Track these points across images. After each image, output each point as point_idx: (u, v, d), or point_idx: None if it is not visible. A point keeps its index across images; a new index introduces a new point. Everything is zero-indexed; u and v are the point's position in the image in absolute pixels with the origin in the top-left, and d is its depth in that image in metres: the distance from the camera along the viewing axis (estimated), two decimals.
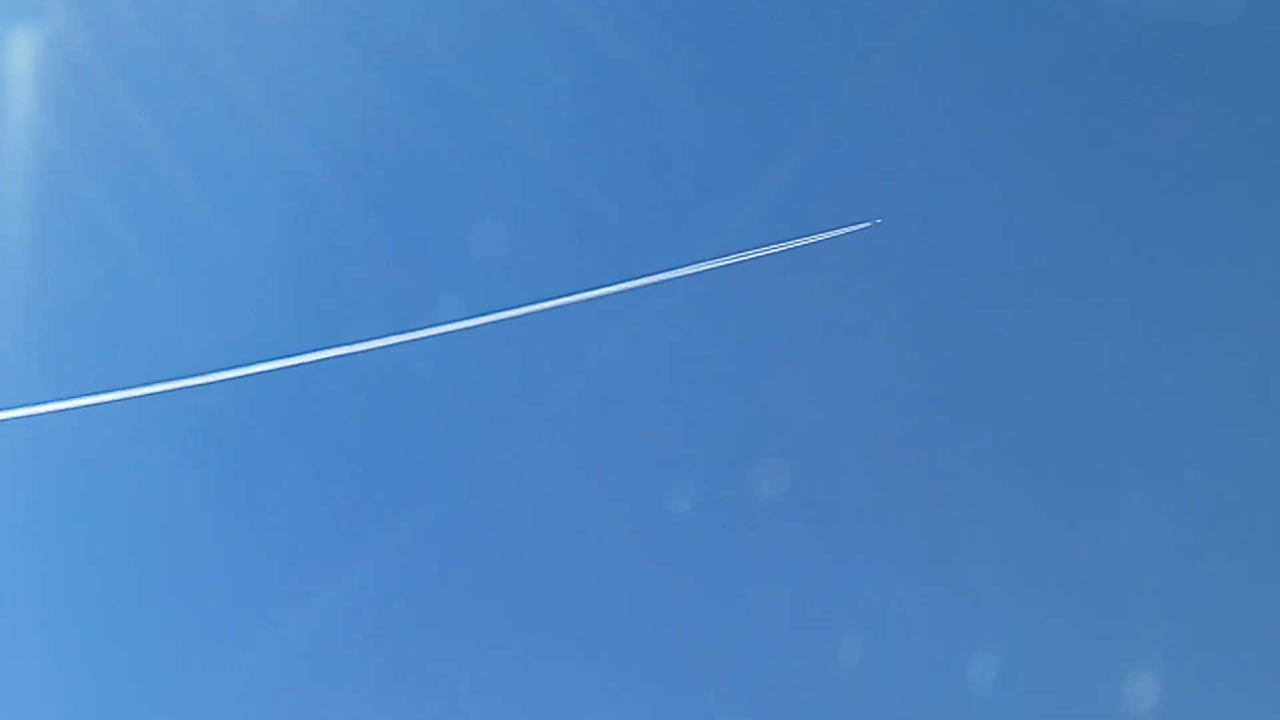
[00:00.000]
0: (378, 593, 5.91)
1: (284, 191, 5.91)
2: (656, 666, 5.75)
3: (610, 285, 5.93)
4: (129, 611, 5.76)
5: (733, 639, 5.76)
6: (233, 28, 5.74)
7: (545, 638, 5.86)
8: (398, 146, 5.88)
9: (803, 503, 5.97)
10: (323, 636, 5.86)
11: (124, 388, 5.60)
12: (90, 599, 5.77)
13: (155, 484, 5.89)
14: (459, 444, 6.12)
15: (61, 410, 5.50)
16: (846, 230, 5.52)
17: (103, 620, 5.76)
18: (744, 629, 5.86)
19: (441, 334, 6.13)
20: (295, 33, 5.72)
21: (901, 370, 5.65)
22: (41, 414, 5.49)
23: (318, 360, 5.79)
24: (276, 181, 5.88)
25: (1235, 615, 5.51)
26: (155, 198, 5.78)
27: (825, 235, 5.58)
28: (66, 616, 5.72)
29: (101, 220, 5.79)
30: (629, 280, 5.89)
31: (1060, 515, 5.82)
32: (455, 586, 6.02)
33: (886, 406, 5.70)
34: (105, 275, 5.89)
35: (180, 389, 5.56)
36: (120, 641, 5.78)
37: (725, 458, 5.89)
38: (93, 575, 5.82)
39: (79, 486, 5.88)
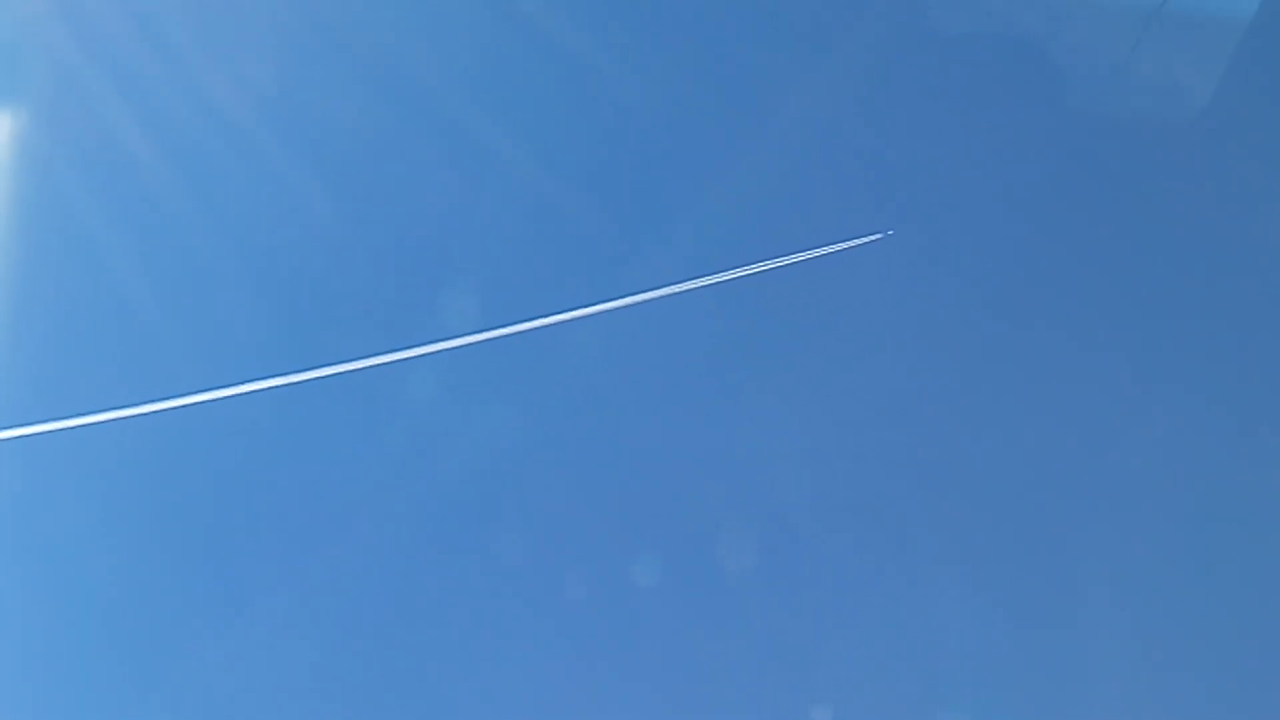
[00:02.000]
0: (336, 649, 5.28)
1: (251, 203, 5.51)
2: None
3: (595, 304, 5.50)
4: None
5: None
6: (219, 38, 5.48)
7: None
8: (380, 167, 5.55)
9: (800, 545, 5.43)
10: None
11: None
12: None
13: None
14: (410, 483, 5.55)
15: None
16: (855, 243, 5.22)
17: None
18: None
19: (406, 359, 5.64)
20: (281, 43, 5.47)
21: (915, 395, 5.25)
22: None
23: (279, 386, 5.34)
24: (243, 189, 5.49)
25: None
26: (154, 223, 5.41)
27: (831, 248, 5.26)
28: None
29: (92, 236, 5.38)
30: (616, 299, 5.48)
31: (1093, 577, 5.37)
32: (412, 662, 5.38)
33: (894, 436, 5.26)
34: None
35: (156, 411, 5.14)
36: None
37: (725, 486, 5.39)
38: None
39: None
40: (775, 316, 5.32)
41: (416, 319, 5.50)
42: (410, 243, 5.56)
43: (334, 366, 5.37)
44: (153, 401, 5.06)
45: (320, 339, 5.50)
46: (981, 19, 5.44)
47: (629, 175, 5.37)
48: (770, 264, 5.21)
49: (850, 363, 5.32)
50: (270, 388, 5.26)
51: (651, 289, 5.36)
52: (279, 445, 5.45)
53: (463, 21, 5.45)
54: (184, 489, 5.30)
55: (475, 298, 5.49)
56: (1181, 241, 5.40)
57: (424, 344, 5.42)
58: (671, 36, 5.32)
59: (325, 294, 5.55)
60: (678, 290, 5.33)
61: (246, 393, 5.22)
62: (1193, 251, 5.41)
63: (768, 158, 5.20)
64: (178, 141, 5.37)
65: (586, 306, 5.40)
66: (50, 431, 4.99)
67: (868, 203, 5.14)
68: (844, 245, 5.12)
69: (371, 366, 5.40)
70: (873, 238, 5.09)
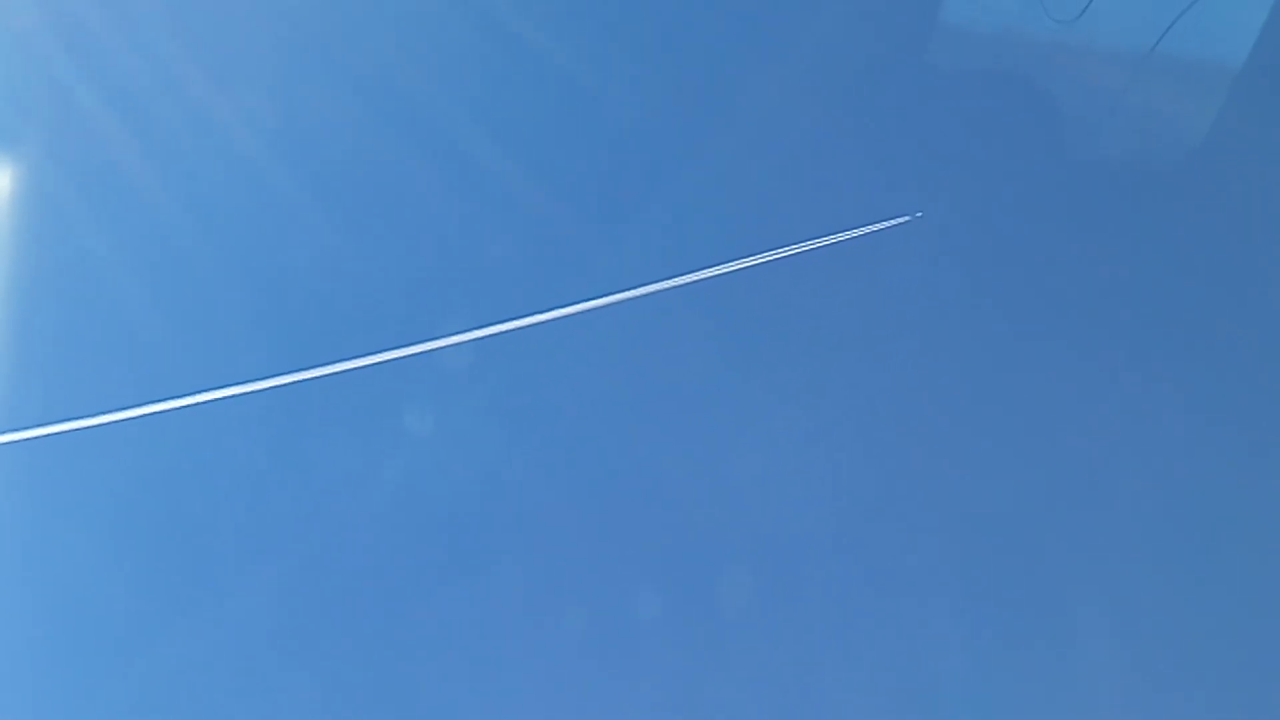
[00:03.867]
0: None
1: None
2: None
3: (605, 296, 4.97)
4: None
5: None
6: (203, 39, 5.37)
7: None
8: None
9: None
10: None
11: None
12: None
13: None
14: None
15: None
16: (882, 225, 4.85)
17: None
18: None
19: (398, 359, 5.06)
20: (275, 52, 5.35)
21: (949, 389, 4.74)
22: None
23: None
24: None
25: None
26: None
27: (858, 232, 4.86)
28: None
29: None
30: (630, 289, 4.96)
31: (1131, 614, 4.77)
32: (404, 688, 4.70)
33: (919, 439, 4.70)
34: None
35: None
36: None
37: (742, 498, 4.78)
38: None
39: None
40: (796, 307, 4.90)
41: (410, 323, 5.06)
42: (399, 249, 5.20)
43: (317, 369, 4.87)
44: (140, 405, 4.79)
45: (307, 343, 5.11)
46: (972, 58, 5.52)
47: (636, 159, 5.11)
48: (790, 250, 4.84)
49: (870, 358, 4.89)
50: (249, 392, 4.81)
51: (659, 280, 4.94)
52: (263, 452, 5.00)
53: (451, 33, 5.36)
54: (172, 495, 4.96)
55: (475, 296, 5.07)
56: (1174, 281, 5.29)
57: (418, 343, 4.92)
58: (687, 22, 5.26)
59: (312, 299, 5.18)
60: (690, 280, 4.90)
61: (220, 398, 4.77)
62: (1186, 292, 5.29)
63: (791, 136, 5.00)
64: (172, 151, 5.26)
65: (593, 299, 4.94)
66: (45, 435, 4.78)
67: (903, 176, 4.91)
68: (872, 228, 4.80)
69: (358, 368, 4.89)
70: (899, 220, 4.79)
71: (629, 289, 4.90)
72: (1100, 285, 5.26)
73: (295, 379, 4.84)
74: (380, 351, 4.93)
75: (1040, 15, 5.58)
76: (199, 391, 4.76)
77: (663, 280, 4.93)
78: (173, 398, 4.76)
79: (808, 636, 4.89)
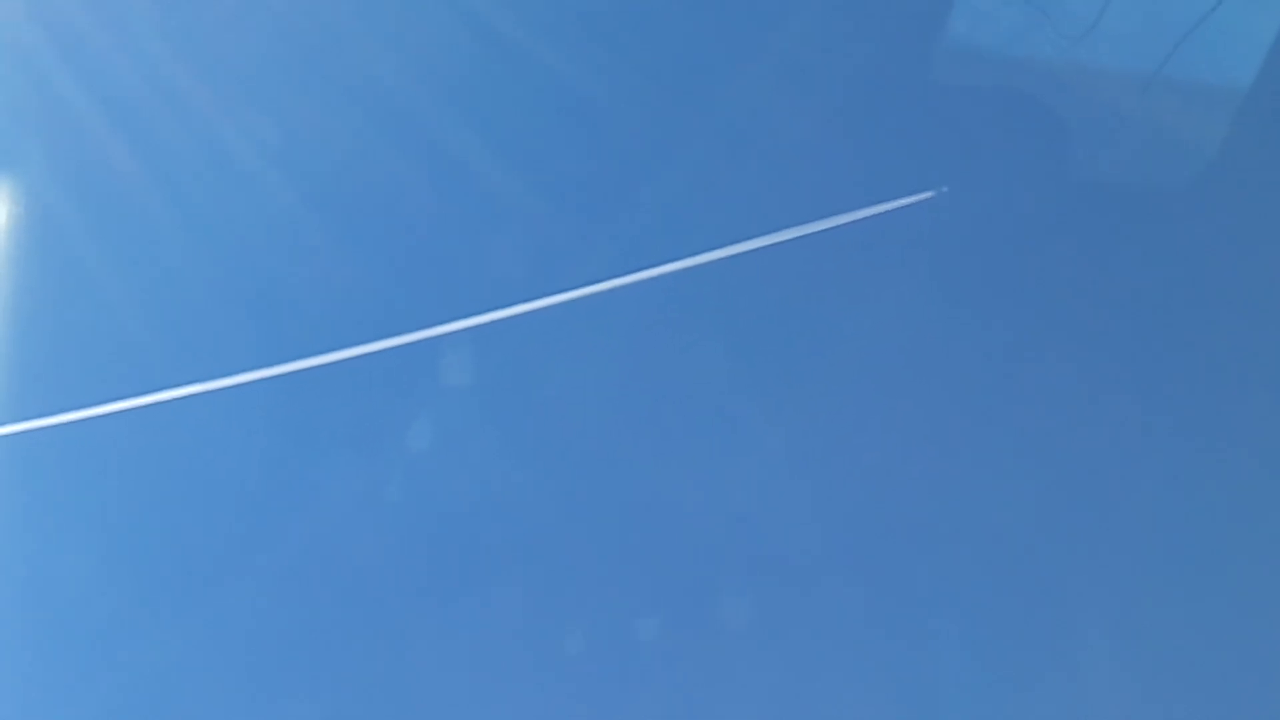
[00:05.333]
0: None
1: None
2: None
3: (607, 280, 4.65)
4: None
5: None
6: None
7: None
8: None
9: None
10: None
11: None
12: None
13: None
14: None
15: None
16: (905, 201, 4.60)
17: None
18: None
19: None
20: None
21: (950, 397, 4.46)
22: None
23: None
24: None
25: None
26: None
27: (880, 208, 4.60)
28: None
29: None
30: (642, 270, 4.65)
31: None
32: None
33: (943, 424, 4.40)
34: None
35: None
36: None
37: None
38: None
39: None
40: (811, 290, 4.66)
41: (398, 321, 4.87)
42: (389, 248, 5.06)
43: (303, 360, 4.67)
44: (126, 398, 4.66)
45: (298, 343, 4.88)
46: (977, 74, 5.48)
47: (630, 151, 4.96)
48: (812, 227, 4.61)
49: (872, 359, 4.66)
50: (236, 385, 4.62)
51: (673, 260, 4.68)
52: (255, 454, 4.82)
53: (435, 29, 5.30)
54: (157, 496, 4.78)
55: (468, 293, 4.89)
56: (1179, 300, 5.20)
57: (402, 334, 4.66)
58: (689, 27, 5.18)
59: (303, 299, 5.04)
60: (693, 265, 4.64)
61: (204, 392, 4.61)
62: (1191, 310, 5.20)
63: (812, 113, 4.84)
64: (153, 143, 5.01)
65: (596, 284, 4.67)
66: (35, 429, 4.67)
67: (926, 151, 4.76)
68: (895, 204, 4.58)
69: (345, 360, 4.66)
70: (926, 195, 4.58)
71: (630, 274, 4.66)
72: (1104, 304, 5.14)
73: (281, 371, 4.61)
74: (366, 342, 4.70)
75: (1047, 32, 5.58)
76: (188, 384, 4.59)
77: (667, 264, 4.70)
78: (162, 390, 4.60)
79: (809, 646, 4.55)
